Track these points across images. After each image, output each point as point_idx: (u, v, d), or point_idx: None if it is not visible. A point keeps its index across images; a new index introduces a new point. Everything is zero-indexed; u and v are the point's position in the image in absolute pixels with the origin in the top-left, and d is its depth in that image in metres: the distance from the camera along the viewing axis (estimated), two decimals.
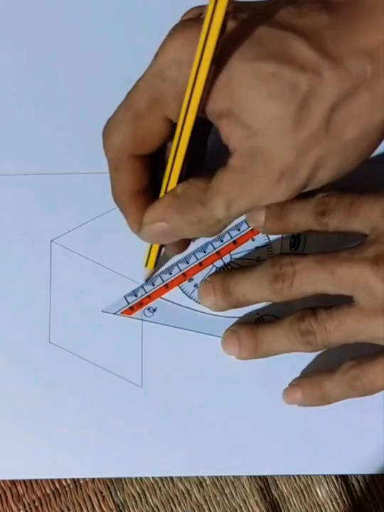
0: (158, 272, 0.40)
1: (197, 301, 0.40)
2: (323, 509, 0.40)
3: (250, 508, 0.40)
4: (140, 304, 0.40)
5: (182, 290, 0.40)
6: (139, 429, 0.39)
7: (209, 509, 0.40)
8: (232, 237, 0.41)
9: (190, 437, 0.39)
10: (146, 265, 0.39)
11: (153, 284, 0.40)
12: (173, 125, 0.33)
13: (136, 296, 0.40)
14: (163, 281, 0.40)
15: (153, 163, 0.35)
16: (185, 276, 0.40)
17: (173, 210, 0.34)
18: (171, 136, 0.33)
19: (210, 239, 0.40)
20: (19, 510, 0.40)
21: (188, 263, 0.41)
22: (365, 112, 0.30)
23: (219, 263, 0.41)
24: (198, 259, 0.41)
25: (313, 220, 0.36)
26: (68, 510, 0.40)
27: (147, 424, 0.39)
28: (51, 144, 0.42)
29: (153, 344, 0.40)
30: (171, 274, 0.40)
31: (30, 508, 0.40)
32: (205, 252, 0.41)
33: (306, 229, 0.36)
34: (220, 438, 0.39)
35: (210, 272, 0.40)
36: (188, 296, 0.40)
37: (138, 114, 0.33)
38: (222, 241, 0.41)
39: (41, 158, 0.42)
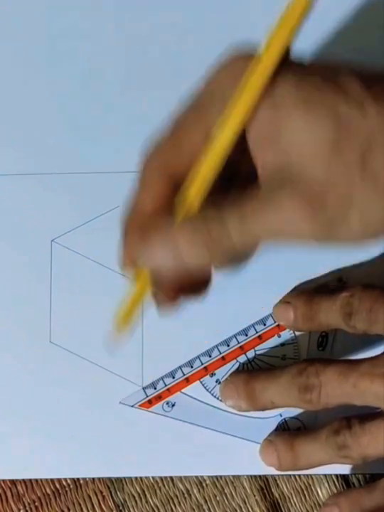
0: (180, 364, 0.39)
1: (218, 398, 0.39)
2: (323, 503, 0.39)
3: (250, 508, 0.40)
4: (159, 398, 0.39)
5: (203, 385, 0.39)
6: (139, 429, 0.39)
7: (209, 509, 0.40)
8: (257, 332, 0.40)
9: (191, 437, 0.39)
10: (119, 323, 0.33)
11: (174, 377, 0.39)
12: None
13: (155, 388, 0.39)
14: (184, 375, 0.39)
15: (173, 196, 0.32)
16: (207, 370, 0.39)
17: (186, 222, 0.30)
18: None
19: (233, 332, 0.40)
20: (19, 509, 0.40)
21: (210, 357, 0.39)
22: None
23: (242, 358, 0.40)
24: (220, 353, 0.39)
25: (342, 322, 0.36)
26: (68, 510, 0.40)
27: (147, 424, 0.39)
28: (51, 143, 0.42)
29: (153, 344, 0.40)
30: (191, 367, 0.39)
31: (31, 508, 0.40)
32: (228, 345, 0.40)
33: (336, 327, 0.36)
34: (220, 438, 0.39)
35: (233, 368, 0.39)
36: (209, 392, 0.39)
37: (179, 124, 0.31)
38: (246, 335, 0.40)
39: (41, 158, 0.42)
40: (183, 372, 0.40)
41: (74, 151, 0.42)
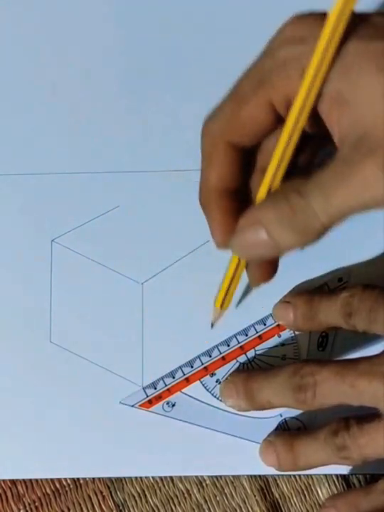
0: (180, 364, 0.39)
1: (218, 398, 0.39)
2: (321, 505, 0.39)
3: (250, 508, 0.40)
4: (159, 398, 0.39)
5: (203, 385, 0.39)
6: (139, 429, 0.39)
7: (209, 509, 0.40)
8: (257, 332, 0.40)
9: (190, 437, 0.39)
10: (221, 304, 0.37)
11: (174, 377, 0.39)
12: (276, 116, 0.31)
13: (155, 388, 0.39)
14: (184, 375, 0.39)
15: (246, 165, 0.33)
16: (207, 370, 0.39)
17: (268, 203, 0.31)
18: (270, 130, 0.32)
19: (233, 332, 0.39)
20: (19, 510, 0.40)
21: (210, 356, 0.39)
22: None
23: (242, 358, 0.40)
24: (221, 353, 0.39)
25: (342, 321, 0.36)
26: (68, 510, 0.40)
27: (147, 424, 0.39)
28: (51, 143, 0.42)
29: (154, 344, 0.40)
30: (192, 367, 0.39)
31: (31, 508, 0.40)
32: (228, 345, 0.40)
33: (336, 327, 0.36)
34: (220, 438, 0.39)
35: (233, 368, 0.39)
36: (210, 392, 0.39)
37: (241, 97, 0.31)
38: (246, 335, 0.40)
39: (41, 158, 0.42)
40: (183, 372, 0.40)
41: (74, 151, 0.42)
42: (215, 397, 0.39)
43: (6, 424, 0.39)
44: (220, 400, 0.39)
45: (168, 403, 0.39)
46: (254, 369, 0.39)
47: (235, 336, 0.40)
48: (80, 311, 0.40)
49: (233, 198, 0.34)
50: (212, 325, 0.39)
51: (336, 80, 0.29)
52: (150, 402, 0.39)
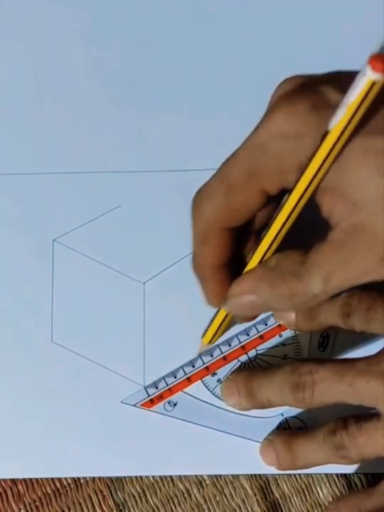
0: (182, 364, 0.40)
1: (219, 398, 0.39)
2: (324, 509, 0.40)
3: (250, 508, 0.40)
4: (160, 397, 0.39)
5: (204, 385, 0.39)
6: (140, 428, 0.39)
7: (209, 509, 0.40)
8: (258, 332, 0.40)
9: (192, 437, 0.39)
10: (209, 341, 0.38)
11: (175, 377, 0.39)
12: (268, 198, 0.32)
13: (156, 388, 0.39)
14: (186, 374, 0.39)
15: (239, 235, 0.34)
16: (209, 370, 0.40)
17: (264, 283, 0.32)
18: (263, 208, 0.32)
19: (235, 331, 0.40)
20: (20, 509, 0.40)
21: (212, 356, 0.40)
22: None
23: (244, 358, 0.40)
24: (222, 353, 0.40)
25: (341, 321, 0.36)
26: (68, 509, 0.40)
27: (149, 424, 0.39)
28: (51, 143, 0.42)
29: (155, 343, 0.40)
30: (193, 366, 0.39)
31: (31, 508, 0.40)
32: (229, 345, 0.40)
33: (335, 326, 0.37)
34: (221, 437, 0.39)
35: (234, 367, 0.40)
36: (211, 392, 0.39)
37: (233, 186, 0.31)
38: (248, 335, 0.40)
39: (42, 158, 0.42)
40: (184, 372, 0.40)
41: (75, 150, 0.42)
42: (216, 396, 0.39)
43: (7, 423, 0.39)
44: (222, 400, 0.39)
45: (169, 403, 0.39)
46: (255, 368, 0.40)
47: (236, 335, 0.40)
48: (82, 311, 0.40)
49: (226, 268, 0.34)
50: (198, 355, 0.39)
51: (333, 173, 0.29)
52: (151, 402, 0.39)
